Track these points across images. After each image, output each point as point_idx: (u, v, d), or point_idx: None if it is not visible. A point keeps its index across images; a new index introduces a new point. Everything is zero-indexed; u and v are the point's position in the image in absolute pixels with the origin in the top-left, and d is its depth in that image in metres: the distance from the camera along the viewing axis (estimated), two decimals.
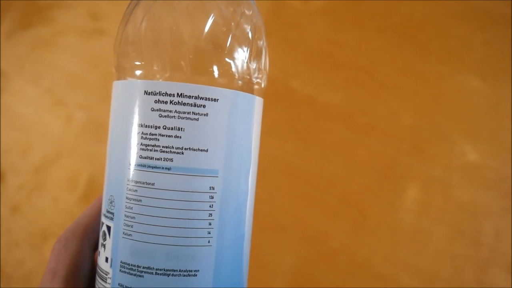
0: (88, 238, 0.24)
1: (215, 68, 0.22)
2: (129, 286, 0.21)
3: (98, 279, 0.23)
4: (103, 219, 0.23)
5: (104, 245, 0.22)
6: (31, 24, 0.70)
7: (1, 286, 0.58)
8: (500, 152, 0.48)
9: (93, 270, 0.25)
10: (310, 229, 0.50)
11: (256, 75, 0.24)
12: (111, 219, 0.22)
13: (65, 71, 0.66)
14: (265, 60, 0.25)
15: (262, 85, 0.24)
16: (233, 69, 0.23)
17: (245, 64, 0.23)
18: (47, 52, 0.68)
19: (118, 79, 0.23)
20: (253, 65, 0.23)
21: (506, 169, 0.47)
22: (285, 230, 0.50)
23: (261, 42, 0.24)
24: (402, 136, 0.50)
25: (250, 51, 0.23)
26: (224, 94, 0.21)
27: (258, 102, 0.24)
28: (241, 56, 0.23)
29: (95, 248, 0.25)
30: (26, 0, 0.72)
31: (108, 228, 0.22)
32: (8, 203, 0.62)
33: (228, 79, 0.23)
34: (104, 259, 0.22)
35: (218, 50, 0.22)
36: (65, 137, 0.63)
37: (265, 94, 0.25)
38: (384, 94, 0.52)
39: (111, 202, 0.22)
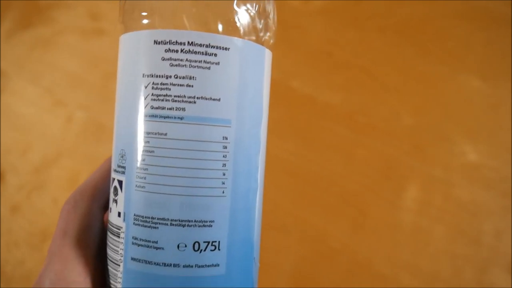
0: (97, 199, 0.24)
1: (223, 21, 0.22)
2: (143, 239, 0.21)
3: (109, 235, 0.23)
4: (113, 174, 0.23)
5: (115, 201, 0.22)
6: (31, 24, 0.70)
7: (1, 286, 0.58)
8: (500, 152, 0.48)
9: (103, 230, 0.24)
10: (310, 229, 0.50)
11: (264, 31, 0.23)
12: (123, 173, 0.22)
13: (65, 71, 0.66)
14: (273, 16, 0.24)
15: (271, 42, 0.24)
16: (241, 22, 0.22)
17: (253, 20, 0.23)
18: (47, 52, 0.68)
19: (125, 32, 0.23)
20: (261, 21, 0.23)
21: (506, 169, 0.47)
22: (285, 230, 0.50)
23: None
24: (402, 136, 0.50)
25: (259, 7, 0.23)
26: (234, 43, 0.21)
27: (268, 54, 0.23)
28: (250, 11, 0.22)
29: (104, 208, 0.24)
30: (26, 0, 0.72)
31: (120, 182, 0.22)
32: (8, 203, 0.62)
33: (237, 34, 0.22)
34: (116, 214, 0.22)
35: (226, 3, 0.22)
36: (65, 137, 0.63)
37: (273, 50, 0.25)
38: (384, 94, 0.52)
39: (122, 156, 0.22)
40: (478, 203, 0.47)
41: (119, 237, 0.22)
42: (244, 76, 0.22)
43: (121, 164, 0.22)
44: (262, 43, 0.23)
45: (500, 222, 0.46)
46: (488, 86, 0.49)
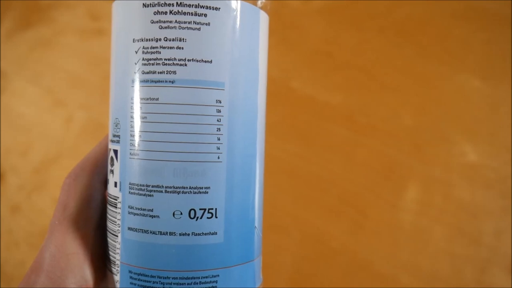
0: (98, 173, 0.24)
1: None
2: (139, 207, 0.20)
3: (108, 207, 0.22)
4: (110, 145, 0.22)
5: (112, 171, 0.22)
6: (31, 24, 0.70)
7: (1, 286, 0.58)
8: (500, 152, 0.48)
9: (104, 203, 0.24)
10: (310, 229, 0.50)
11: None
12: (118, 142, 0.21)
13: (65, 71, 0.66)
14: None
15: (268, 7, 0.23)
16: None
17: None
18: (47, 52, 0.68)
19: None
20: None
21: (506, 169, 0.47)
22: (285, 230, 0.50)
23: None
24: (402, 136, 0.50)
25: None
26: (225, 2, 0.20)
27: (263, 17, 0.22)
28: None
29: (105, 183, 0.24)
30: (26, 0, 0.72)
31: (115, 152, 0.21)
32: (8, 203, 0.62)
33: None
34: (113, 185, 0.22)
35: None
36: (65, 137, 0.63)
37: (269, 14, 0.24)
38: (384, 94, 0.52)
39: (116, 125, 0.21)
40: (478, 203, 0.47)
41: (116, 207, 0.21)
42: (237, 37, 0.21)
43: (116, 133, 0.21)
44: (258, 5, 0.23)
45: (500, 222, 0.46)
46: (488, 86, 0.49)
